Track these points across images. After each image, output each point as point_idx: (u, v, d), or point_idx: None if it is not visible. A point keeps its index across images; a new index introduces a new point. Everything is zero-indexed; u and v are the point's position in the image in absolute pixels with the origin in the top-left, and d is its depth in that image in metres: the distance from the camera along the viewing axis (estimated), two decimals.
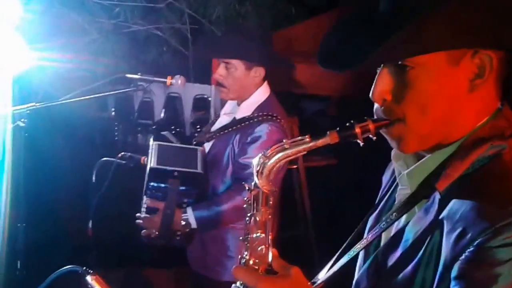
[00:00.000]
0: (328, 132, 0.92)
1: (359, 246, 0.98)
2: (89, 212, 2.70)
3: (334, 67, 0.97)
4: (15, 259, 2.26)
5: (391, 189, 1.10)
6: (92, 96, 2.16)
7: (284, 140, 0.92)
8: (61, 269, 0.95)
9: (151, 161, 2.22)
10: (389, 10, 0.92)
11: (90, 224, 2.68)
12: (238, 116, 2.33)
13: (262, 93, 2.35)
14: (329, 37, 1.01)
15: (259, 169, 0.95)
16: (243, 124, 2.27)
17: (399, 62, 0.89)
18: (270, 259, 0.95)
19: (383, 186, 1.16)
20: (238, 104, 2.39)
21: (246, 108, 2.32)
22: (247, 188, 0.98)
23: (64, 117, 3.48)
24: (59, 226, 3.73)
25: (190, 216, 2.19)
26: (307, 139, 0.92)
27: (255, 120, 2.25)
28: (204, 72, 5.74)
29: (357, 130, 0.90)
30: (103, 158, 2.60)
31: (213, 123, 2.53)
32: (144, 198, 2.24)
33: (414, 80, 0.89)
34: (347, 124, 0.91)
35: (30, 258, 2.28)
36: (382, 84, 0.93)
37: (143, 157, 2.59)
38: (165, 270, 3.62)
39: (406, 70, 0.89)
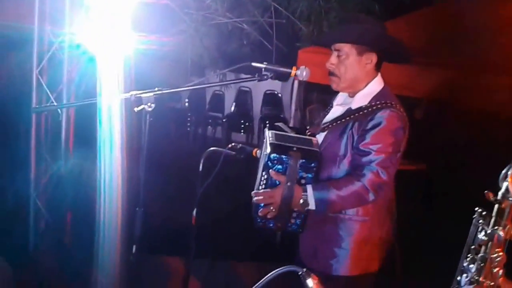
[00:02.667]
0: None
1: None
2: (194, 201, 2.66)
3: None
4: (131, 243, 2.24)
5: None
6: (220, 83, 2.08)
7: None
8: (280, 268, 0.85)
9: (269, 142, 2.19)
10: None
11: (194, 213, 2.64)
12: (354, 106, 2.28)
13: (377, 84, 2.30)
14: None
15: None
16: (361, 113, 2.22)
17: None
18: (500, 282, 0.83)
19: None
20: (350, 96, 2.34)
21: (362, 98, 2.27)
22: (492, 198, 0.82)
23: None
24: (168, 213, 3.74)
25: (309, 195, 2.13)
26: None
27: (374, 108, 2.20)
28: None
29: None
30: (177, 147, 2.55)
31: (324, 115, 2.47)
32: (263, 173, 2.19)
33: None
34: None
35: (144, 243, 2.24)
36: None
37: (255, 149, 2.55)
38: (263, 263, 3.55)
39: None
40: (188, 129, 9.26)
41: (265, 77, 2.22)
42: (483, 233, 0.84)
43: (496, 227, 0.82)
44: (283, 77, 2.33)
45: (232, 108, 9.55)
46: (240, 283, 3.72)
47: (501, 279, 0.84)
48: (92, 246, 2.83)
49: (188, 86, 2.10)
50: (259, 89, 9.45)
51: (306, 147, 2.16)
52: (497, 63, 4.08)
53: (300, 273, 0.84)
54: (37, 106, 3.41)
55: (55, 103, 3.76)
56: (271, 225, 2.25)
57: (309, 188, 2.13)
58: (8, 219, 3.88)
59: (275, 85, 9.40)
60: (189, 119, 9.22)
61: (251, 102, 9.68)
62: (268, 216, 2.19)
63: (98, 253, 2.33)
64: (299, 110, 7.56)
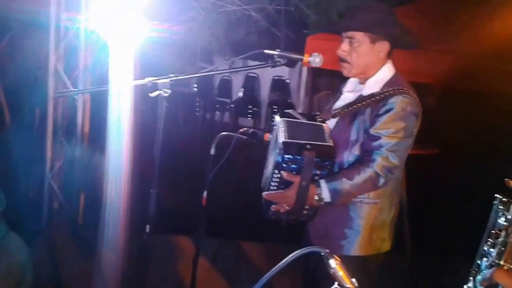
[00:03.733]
0: None
1: None
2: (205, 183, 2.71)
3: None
4: (145, 223, 2.30)
5: None
6: (231, 70, 2.12)
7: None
8: (303, 248, 0.90)
9: (281, 136, 2.14)
10: None
11: (205, 194, 2.69)
12: (365, 92, 2.27)
13: (388, 71, 2.29)
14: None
15: None
16: (373, 99, 2.21)
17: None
18: None
19: None
20: (361, 83, 2.34)
21: (374, 85, 2.26)
22: (511, 185, 0.86)
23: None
24: (180, 194, 3.80)
25: (324, 190, 2.12)
26: None
27: (386, 94, 2.19)
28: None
29: None
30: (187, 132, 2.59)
31: (334, 102, 2.46)
32: (274, 171, 2.16)
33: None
34: None
35: (157, 223, 2.30)
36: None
37: (266, 134, 2.57)
38: (274, 244, 3.62)
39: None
40: (197, 114, 9.31)
41: (278, 63, 2.22)
42: (503, 218, 0.87)
43: None
44: (292, 63, 2.34)
45: (240, 94, 9.59)
46: (248, 262, 3.80)
47: None
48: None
49: (203, 73, 2.15)
50: (266, 75, 9.47)
51: (319, 143, 2.11)
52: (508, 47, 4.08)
53: (323, 253, 0.89)
54: (56, 92, 3.46)
55: (72, 89, 3.82)
56: (284, 217, 2.23)
57: (323, 183, 2.13)
58: (24, 199, 3.96)
59: (283, 71, 9.40)
60: (197, 104, 9.26)
61: (259, 87, 9.71)
62: (281, 211, 2.18)
63: (106, 232, 2.40)
64: (308, 95, 7.59)
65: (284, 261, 0.91)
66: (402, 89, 2.19)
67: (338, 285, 0.84)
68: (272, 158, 2.27)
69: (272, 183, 2.18)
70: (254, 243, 3.91)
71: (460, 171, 4.59)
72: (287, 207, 2.16)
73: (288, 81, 9.47)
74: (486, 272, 0.86)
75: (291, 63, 2.31)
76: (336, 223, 2.30)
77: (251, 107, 9.30)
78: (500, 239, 0.88)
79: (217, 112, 9.57)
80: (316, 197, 2.12)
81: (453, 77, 4.34)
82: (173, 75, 2.20)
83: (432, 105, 5.38)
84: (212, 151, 2.71)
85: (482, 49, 4.18)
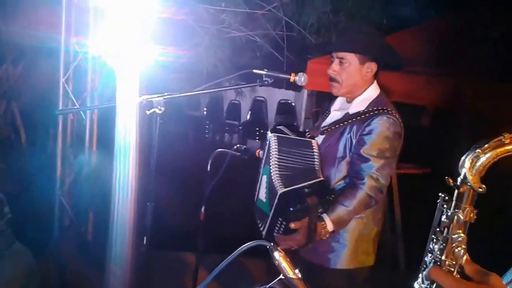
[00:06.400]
0: None
1: None
2: (203, 198, 2.75)
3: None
4: (142, 235, 2.35)
5: None
6: (222, 89, 2.20)
7: (504, 134, 0.85)
8: (249, 242, 0.94)
9: (278, 186, 2.11)
10: None
11: (202, 209, 2.73)
12: (352, 111, 2.32)
13: (374, 90, 2.35)
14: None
15: (471, 164, 0.85)
16: (359, 118, 2.26)
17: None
18: (463, 262, 0.87)
19: None
20: (348, 101, 2.39)
21: (360, 104, 2.32)
22: (451, 183, 0.88)
23: (172, 110, 3.61)
24: (175, 208, 3.84)
25: (327, 222, 2.14)
26: None
27: (371, 113, 2.24)
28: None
29: None
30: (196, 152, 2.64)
31: (323, 119, 2.52)
32: (279, 219, 2.13)
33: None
34: None
35: (155, 237, 2.35)
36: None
37: (258, 150, 2.62)
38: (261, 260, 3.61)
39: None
40: (207, 135, 9.41)
41: (266, 82, 2.30)
42: (445, 216, 0.89)
43: (456, 210, 0.87)
44: (297, 87, 2.39)
45: (248, 117, 9.68)
46: (247, 277, 3.80)
47: (465, 258, 0.87)
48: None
49: (193, 92, 2.22)
50: (273, 98, 9.58)
51: (314, 181, 2.09)
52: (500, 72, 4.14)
53: (268, 246, 0.93)
54: (58, 110, 3.57)
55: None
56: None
57: (326, 217, 2.14)
58: (35, 215, 4.03)
59: (289, 95, 9.50)
60: (207, 126, 9.37)
61: (266, 111, 9.80)
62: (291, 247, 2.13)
63: (112, 245, 2.45)
64: (311, 118, 7.63)
65: (232, 255, 0.95)
66: (386, 109, 2.24)
67: (283, 275, 0.88)
68: (264, 180, 2.28)
69: (276, 229, 2.14)
70: (252, 258, 3.92)
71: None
72: (295, 246, 2.12)
73: (293, 104, 9.55)
74: (425, 270, 0.89)
75: (296, 87, 2.37)
76: (327, 239, 2.26)
77: (258, 129, 9.37)
78: (442, 236, 0.90)
79: (226, 134, 9.66)
80: (323, 231, 2.12)
81: (447, 99, 4.37)
82: (167, 94, 2.26)
83: (426, 126, 5.41)
84: (209, 168, 2.77)
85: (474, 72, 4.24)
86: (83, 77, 4.10)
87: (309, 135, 2.46)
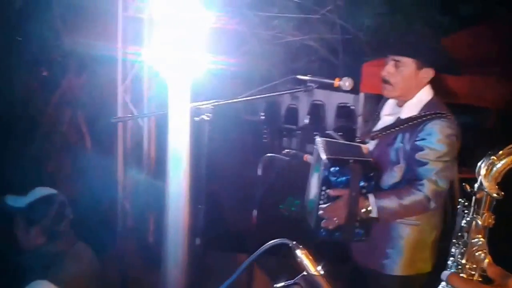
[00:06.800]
0: None
1: None
2: (254, 202, 2.79)
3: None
4: (195, 236, 2.42)
5: None
6: (267, 95, 2.24)
7: None
8: (272, 241, 0.98)
9: (323, 154, 2.14)
10: None
11: (255, 213, 2.78)
12: (404, 115, 2.26)
13: (426, 93, 2.27)
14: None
15: (487, 170, 0.86)
16: (411, 123, 2.20)
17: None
18: (485, 265, 0.88)
19: None
20: (399, 105, 2.33)
21: (412, 108, 2.25)
22: (468, 189, 0.89)
23: (228, 116, 3.69)
24: (226, 211, 3.92)
25: (372, 204, 2.09)
26: None
27: (424, 118, 2.17)
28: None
29: None
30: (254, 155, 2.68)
31: (374, 124, 2.47)
32: (322, 188, 2.12)
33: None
34: None
35: (206, 236, 2.42)
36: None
37: (305, 155, 2.63)
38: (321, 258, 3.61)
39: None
40: (265, 140, 9.46)
41: (310, 87, 2.30)
42: (464, 221, 0.90)
43: (474, 216, 0.88)
44: (354, 90, 2.37)
45: (306, 121, 9.65)
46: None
47: (487, 261, 0.88)
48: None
49: (240, 98, 2.27)
50: (332, 102, 9.49)
51: (361, 158, 2.12)
52: None
53: (290, 245, 0.96)
54: (112, 117, 3.75)
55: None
56: (337, 235, 2.16)
57: (371, 197, 2.10)
58: (98, 217, 4.22)
59: (348, 98, 9.37)
60: (265, 131, 9.43)
61: (324, 114, 9.72)
62: (330, 227, 2.11)
63: (167, 245, 2.54)
64: (370, 121, 7.50)
65: (255, 253, 0.99)
66: (439, 113, 2.17)
67: (306, 272, 0.90)
68: (315, 179, 2.27)
69: (321, 201, 2.13)
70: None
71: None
72: (337, 222, 2.10)
73: (353, 107, 9.41)
74: (443, 274, 0.90)
75: (353, 90, 2.35)
76: (379, 243, 2.28)
77: (316, 133, 9.29)
78: (462, 240, 0.91)
79: (284, 138, 9.68)
80: (364, 209, 2.08)
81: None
82: (214, 101, 2.32)
83: (490, 128, 5.20)
84: (259, 172, 2.82)
85: None
86: (139, 85, 4.26)
87: (359, 140, 2.46)
